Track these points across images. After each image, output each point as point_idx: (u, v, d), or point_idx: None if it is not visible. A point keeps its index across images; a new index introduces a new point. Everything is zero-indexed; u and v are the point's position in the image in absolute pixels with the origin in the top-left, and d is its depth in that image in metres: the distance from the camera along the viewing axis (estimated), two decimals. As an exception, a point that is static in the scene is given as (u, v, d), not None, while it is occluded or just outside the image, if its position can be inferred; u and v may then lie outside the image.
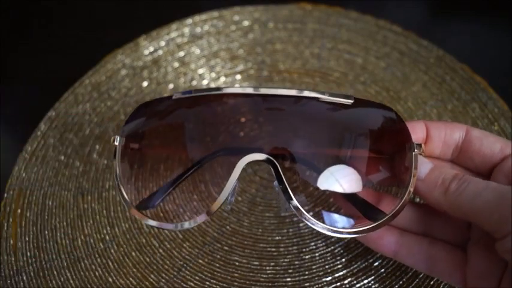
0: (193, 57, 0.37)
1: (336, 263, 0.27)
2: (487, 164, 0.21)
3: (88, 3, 0.45)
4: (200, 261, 0.27)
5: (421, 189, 0.21)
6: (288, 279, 0.26)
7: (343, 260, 0.27)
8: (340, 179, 0.23)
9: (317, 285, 0.26)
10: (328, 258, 0.27)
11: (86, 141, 0.32)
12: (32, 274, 0.27)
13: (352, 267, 0.26)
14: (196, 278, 0.26)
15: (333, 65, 0.36)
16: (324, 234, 0.22)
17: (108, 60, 0.37)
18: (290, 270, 0.26)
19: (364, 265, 0.26)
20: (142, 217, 0.23)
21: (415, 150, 0.21)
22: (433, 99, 0.34)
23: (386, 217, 0.21)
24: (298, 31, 0.38)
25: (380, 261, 0.26)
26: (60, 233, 0.28)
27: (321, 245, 0.27)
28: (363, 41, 0.37)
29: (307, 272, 0.26)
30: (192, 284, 0.26)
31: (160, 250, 0.28)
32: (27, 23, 0.44)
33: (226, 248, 0.28)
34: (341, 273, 0.26)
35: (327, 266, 0.27)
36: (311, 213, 0.22)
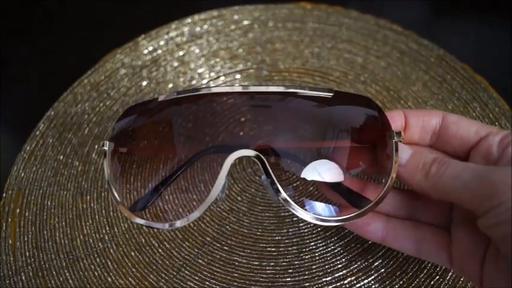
0: (193, 57, 0.37)
1: (336, 263, 0.26)
2: (464, 146, 0.22)
3: (87, 3, 0.45)
4: (200, 261, 0.27)
5: (403, 174, 0.22)
6: (288, 279, 0.26)
7: (343, 260, 0.27)
8: (324, 171, 0.23)
9: (317, 285, 0.26)
10: (328, 258, 0.27)
11: (85, 140, 0.32)
12: (30, 274, 0.27)
13: (352, 267, 0.26)
14: (196, 278, 0.26)
15: (333, 64, 0.36)
16: (314, 224, 0.22)
17: (107, 60, 0.37)
18: (290, 270, 0.26)
19: (364, 265, 0.26)
20: (131, 215, 0.24)
21: (395, 137, 0.22)
22: (433, 98, 0.34)
23: (371, 204, 0.22)
24: (298, 30, 0.38)
25: (380, 261, 0.26)
26: (59, 233, 0.28)
27: (321, 245, 0.27)
28: (363, 40, 0.37)
29: (307, 272, 0.26)
30: (191, 283, 0.26)
31: (160, 250, 0.27)
32: (26, 22, 0.44)
33: (226, 248, 0.27)
34: (341, 273, 0.26)
35: (326, 266, 0.26)
36: (299, 204, 0.22)
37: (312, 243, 0.27)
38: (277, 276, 0.26)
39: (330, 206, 0.24)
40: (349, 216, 0.22)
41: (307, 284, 0.26)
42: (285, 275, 0.26)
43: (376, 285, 0.26)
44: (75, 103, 0.34)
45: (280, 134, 0.24)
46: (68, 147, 0.32)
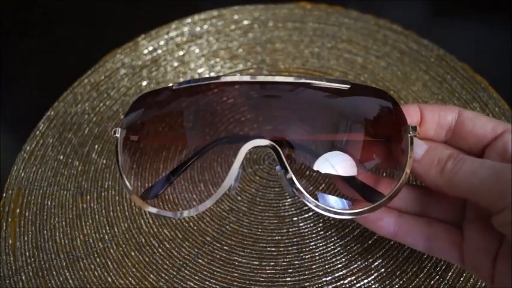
0: (193, 57, 0.37)
1: (336, 263, 0.26)
2: (479, 143, 0.22)
3: (87, 3, 0.45)
4: (200, 261, 0.27)
5: (417, 170, 0.21)
6: (288, 279, 0.26)
7: (343, 259, 0.27)
8: (338, 164, 0.23)
9: (317, 285, 0.26)
10: (328, 258, 0.27)
11: (85, 140, 0.32)
12: (30, 274, 0.27)
13: (352, 267, 0.26)
14: (196, 277, 0.26)
15: (333, 64, 0.36)
16: (326, 216, 0.22)
17: (107, 60, 0.37)
18: (290, 270, 0.26)
19: (364, 265, 0.26)
20: (143, 204, 0.23)
21: (411, 132, 0.22)
22: (433, 98, 0.34)
23: (385, 198, 0.21)
24: (298, 30, 0.38)
25: (380, 261, 0.26)
26: (59, 233, 0.28)
27: (321, 245, 0.27)
28: (363, 40, 0.37)
29: (307, 272, 0.26)
30: (191, 283, 0.26)
31: (160, 250, 0.27)
32: (26, 22, 0.44)
33: (226, 247, 0.27)
34: (341, 273, 0.26)
35: (326, 266, 0.26)
36: (312, 196, 0.22)
37: (312, 243, 0.27)
38: (277, 276, 0.26)
39: (343, 199, 0.23)
40: (362, 210, 0.22)
41: (307, 283, 0.26)
42: (285, 275, 0.26)
43: (376, 285, 0.26)
44: (75, 103, 0.34)
45: (295, 126, 0.24)
46: (68, 147, 0.32)
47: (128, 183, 0.24)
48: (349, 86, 0.23)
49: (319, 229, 0.28)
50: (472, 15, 0.43)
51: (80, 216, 0.29)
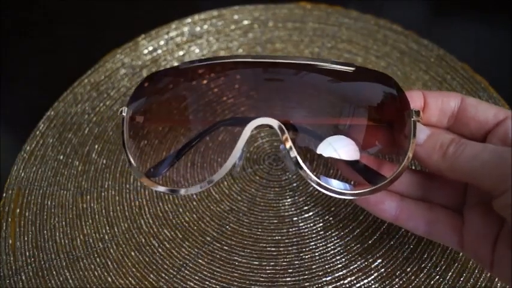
0: (193, 57, 0.37)
1: (336, 263, 0.26)
2: (481, 129, 0.22)
3: (87, 3, 0.45)
4: (200, 261, 0.27)
5: (420, 154, 0.22)
6: (288, 279, 0.26)
7: (343, 260, 0.27)
8: (341, 147, 0.23)
9: (317, 285, 0.26)
10: (328, 258, 0.27)
11: (85, 140, 0.32)
12: (30, 274, 0.27)
13: (352, 267, 0.26)
14: (196, 277, 0.26)
15: (333, 64, 0.36)
16: (329, 196, 0.23)
17: (107, 60, 0.37)
18: (290, 270, 0.26)
19: (364, 265, 0.26)
20: (152, 184, 0.24)
21: (414, 116, 0.22)
22: (433, 98, 0.33)
23: (386, 180, 0.22)
24: (298, 30, 0.38)
25: (380, 261, 0.26)
26: (59, 233, 0.28)
27: (321, 245, 0.27)
28: (363, 40, 0.37)
29: (307, 272, 0.26)
30: (191, 283, 0.26)
31: (160, 250, 0.27)
32: (26, 22, 0.44)
33: (226, 247, 0.27)
34: (341, 273, 0.26)
35: (326, 266, 0.26)
36: (316, 176, 0.22)
37: (312, 243, 0.27)
38: (277, 276, 0.26)
39: (345, 182, 0.24)
40: (364, 190, 0.22)
41: (307, 283, 0.26)
42: (285, 275, 0.26)
43: (376, 285, 0.26)
44: (75, 103, 0.34)
45: (299, 109, 0.24)
46: (68, 147, 0.32)
47: (133, 162, 0.24)
48: (353, 69, 0.23)
49: (319, 229, 0.28)
50: (472, 15, 0.43)
51: (80, 216, 0.29)
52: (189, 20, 0.39)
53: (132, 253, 0.27)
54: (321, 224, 0.28)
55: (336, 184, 0.23)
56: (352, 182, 0.24)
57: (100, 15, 0.44)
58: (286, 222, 0.28)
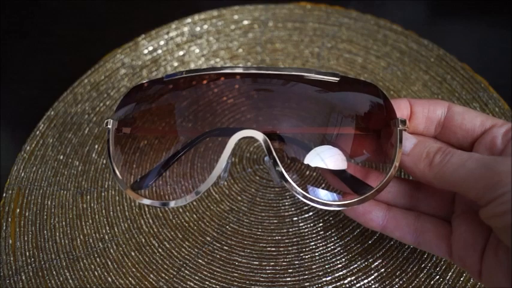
0: (193, 57, 0.37)
1: (336, 263, 0.26)
2: (468, 138, 0.22)
3: (87, 3, 0.45)
4: (200, 260, 0.27)
5: (406, 163, 0.22)
6: (288, 279, 0.26)
7: (343, 260, 0.27)
8: (327, 157, 0.23)
9: (317, 285, 0.26)
10: (328, 258, 0.27)
11: (85, 140, 0.32)
12: (31, 274, 0.27)
13: (352, 267, 0.26)
14: (196, 277, 0.26)
15: (333, 64, 0.36)
16: (316, 208, 0.23)
17: (107, 60, 0.37)
18: (290, 270, 0.26)
19: (364, 265, 0.26)
20: (136, 196, 0.24)
21: (400, 125, 0.22)
22: (433, 98, 0.33)
23: (373, 190, 0.22)
24: (298, 30, 0.38)
25: (380, 261, 0.26)
26: (59, 233, 0.28)
27: (321, 245, 0.27)
28: (363, 40, 0.37)
29: (307, 272, 0.26)
30: (191, 283, 0.26)
31: (160, 250, 0.27)
32: (26, 22, 0.44)
33: (226, 247, 0.27)
34: (341, 273, 0.26)
35: (326, 266, 0.26)
36: (301, 188, 0.22)
37: (312, 243, 0.27)
38: (277, 276, 0.26)
39: (333, 192, 0.24)
40: (350, 201, 0.22)
41: (307, 283, 0.26)
42: (285, 275, 0.26)
43: (376, 285, 0.26)
44: (75, 103, 0.34)
45: (285, 120, 0.24)
46: (68, 147, 0.32)
47: (119, 174, 0.24)
48: (338, 79, 0.23)
49: (319, 229, 0.28)
50: (472, 15, 0.43)
51: (80, 216, 0.29)
52: (189, 20, 0.39)
53: (132, 253, 0.27)
54: (321, 224, 0.28)
55: (323, 195, 0.23)
56: (339, 192, 0.24)
57: (100, 15, 0.44)
58: (286, 222, 0.28)
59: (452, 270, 0.26)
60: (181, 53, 0.37)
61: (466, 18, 0.42)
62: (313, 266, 0.26)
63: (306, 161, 0.23)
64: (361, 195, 0.22)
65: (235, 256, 0.27)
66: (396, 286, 0.25)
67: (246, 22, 0.39)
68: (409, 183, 0.24)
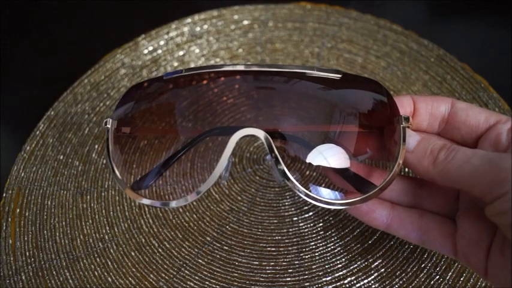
0: (193, 57, 0.37)
1: (336, 263, 0.26)
2: (472, 134, 0.22)
3: (87, 3, 0.45)
4: (200, 260, 0.27)
5: (410, 160, 0.21)
6: (288, 279, 0.26)
7: (343, 260, 0.27)
8: (330, 155, 0.23)
9: (317, 285, 0.26)
10: (328, 258, 0.27)
11: (85, 140, 0.32)
12: (31, 274, 0.27)
13: (352, 267, 0.26)
14: (196, 277, 0.26)
15: (333, 64, 0.36)
16: (316, 208, 0.23)
17: (107, 60, 0.37)
18: (290, 270, 0.26)
19: (364, 265, 0.26)
20: (136, 196, 0.23)
21: (403, 123, 0.21)
22: (433, 98, 0.33)
23: (376, 189, 0.21)
24: (298, 30, 0.38)
25: (380, 261, 0.26)
26: (59, 233, 0.28)
27: (321, 245, 0.27)
28: (363, 40, 0.37)
29: (307, 272, 0.26)
30: (191, 283, 0.26)
31: (160, 250, 0.27)
32: (26, 22, 0.44)
33: (226, 247, 0.27)
34: (341, 273, 0.26)
35: (326, 266, 0.26)
36: (303, 186, 0.22)
37: (312, 243, 0.27)
38: (277, 276, 0.26)
39: (335, 191, 0.23)
40: (353, 200, 0.21)
41: (307, 283, 0.26)
42: (285, 275, 0.26)
43: (376, 285, 0.26)
44: (75, 103, 0.34)
45: (287, 118, 0.24)
46: (68, 147, 0.32)
47: (118, 174, 0.24)
48: (340, 76, 0.23)
49: (319, 229, 0.28)
50: (472, 15, 0.43)
51: (80, 216, 0.29)
52: (189, 20, 0.39)
53: (132, 253, 0.27)
54: (321, 224, 0.28)
55: (325, 193, 0.23)
56: (342, 191, 0.24)
57: (100, 15, 0.44)
58: (286, 222, 0.28)
59: (452, 270, 0.26)
60: (181, 53, 0.37)
61: (466, 18, 0.42)
62: (313, 266, 0.26)
63: (308, 160, 0.23)
64: (365, 194, 0.21)
65: (235, 256, 0.27)
66: (396, 286, 0.25)
67: (246, 22, 0.39)
68: (412, 181, 0.24)
